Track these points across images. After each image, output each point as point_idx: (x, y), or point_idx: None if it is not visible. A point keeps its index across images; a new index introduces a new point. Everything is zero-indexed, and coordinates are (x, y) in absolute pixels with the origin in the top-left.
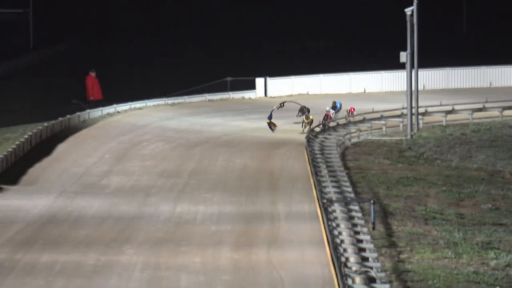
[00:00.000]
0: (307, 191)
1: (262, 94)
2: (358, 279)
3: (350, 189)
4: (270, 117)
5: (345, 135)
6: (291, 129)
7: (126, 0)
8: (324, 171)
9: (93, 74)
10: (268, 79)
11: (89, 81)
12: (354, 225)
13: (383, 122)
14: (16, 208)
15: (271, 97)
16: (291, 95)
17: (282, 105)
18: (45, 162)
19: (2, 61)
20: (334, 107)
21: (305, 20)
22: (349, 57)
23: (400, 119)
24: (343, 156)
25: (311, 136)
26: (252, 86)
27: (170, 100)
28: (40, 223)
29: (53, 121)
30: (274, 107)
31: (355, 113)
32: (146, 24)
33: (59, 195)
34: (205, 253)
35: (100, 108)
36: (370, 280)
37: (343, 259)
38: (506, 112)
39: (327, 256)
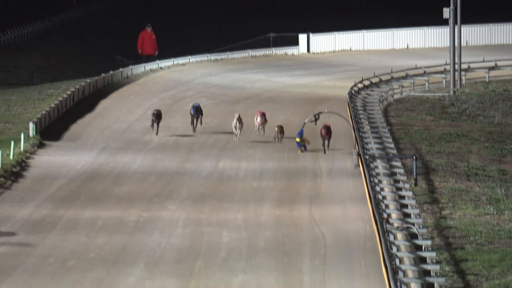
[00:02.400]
0: (349, 148)
1: (305, 50)
2: (399, 236)
3: (392, 145)
4: (300, 134)
5: (388, 91)
6: (334, 85)
7: None
8: (367, 127)
9: (148, 29)
10: (311, 35)
11: (140, 36)
12: (396, 181)
13: (425, 78)
14: (58, 164)
15: (313, 53)
16: (333, 52)
17: (317, 117)
18: (88, 118)
19: (45, 16)
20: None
21: None
22: (392, 13)
23: (442, 75)
24: (385, 112)
25: (353, 92)
26: (295, 42)
27: (213, 56)
28: (83, 179)
29: (96, 77)
30: (306, 120)
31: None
32: None
33: (101, 151)
34: (247, 209)
35: (143, 64)
36: (412, 237)
37: (385, 215)
38: None
39: (369, 212)
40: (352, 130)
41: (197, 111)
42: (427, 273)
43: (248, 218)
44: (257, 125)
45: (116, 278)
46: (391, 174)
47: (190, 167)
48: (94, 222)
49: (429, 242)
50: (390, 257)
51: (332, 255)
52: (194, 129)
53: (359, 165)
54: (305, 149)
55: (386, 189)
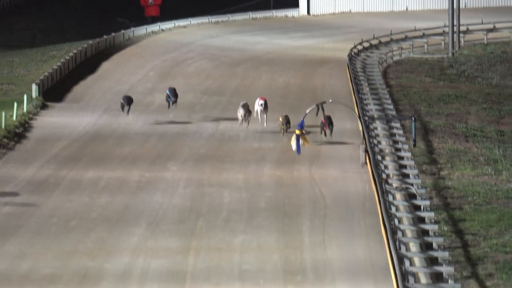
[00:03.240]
0: (348, 109)
1: (305, 13)
2: (398, 196)
3: (391, 107)
4: (301, 126)
5: (387, 53)
6: (333, 47)
7: None
8: (366, 89)
9: None
10: None
11: None
12: (395, 142)
13: (424, 40)
14: (61, 125)
15: (314, 15)
16: (333, 14)
17: (320, 106)
18: (90, 79)
19: None
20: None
21: None
22: None
23: (441, 37)
24: (384, 74)
25: (353, 54)
26: (295, 5)
27: (214, 19)
28: (85, 140)
29: (98, 39)
30: (307, 110)
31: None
32: None
33: (103, 112)
34: (248, 170)
35: (145, 26)
36: (411, 197)
37: (384, 176)
38: None
39: (369, 172)
40: (358, 119)
41: (175, 95)
42: (425, 232)
43: (248, 178)
44: (259, 111)
45: (118, 237)
46: (390, 135)
47: (192, 128)
48: (97, 182)
49: (427, 202)
50: (389, 217)
51: (332, 215)
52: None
53: (366, 163)
54: (298, 149)
55: (385, 150)
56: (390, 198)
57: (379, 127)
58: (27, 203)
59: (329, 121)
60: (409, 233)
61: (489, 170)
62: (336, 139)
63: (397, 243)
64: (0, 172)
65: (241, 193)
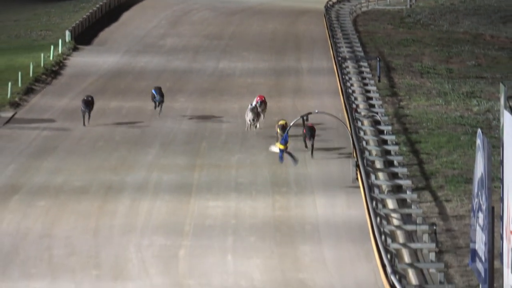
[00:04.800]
0: (325, 51)
1: None
2: (366, 122)
3: (360, 49)
4: (284, 141)
5: (357, 5)
6: (314, 0)
7: None
8: (339, 34)
9: None
10: None
11: None
12: (363, 78)
13: None
14: (90, 64)
15: None
16: None
17: (305, 118)
18: (113, 26)
19: None
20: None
21: None
22: None
23: None
24: (354, 22)
25: (329, 6)
26: None
27: None
28: (109, 76)
29: None
30: (291, 123)
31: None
32: None
33: (124, 53)
34: (243, 101)
35: None
36: (376, 123)
37: (354, 105)
38: None
39: (341, 103)
40: (350, 137)
41: (161, 94)
42: (388, 152)
43: (243, 108)
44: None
45: (137, 156)
46: (359, 73)
47: (196, 66)
48: (119, 111)
49: (389, 128)
50: (358, 139)
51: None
52: (159, 113)
53: (357, 179)
54: (281, 158)
55: (355, 85)
56: (359, 124)
57: (350, 66)
58: (61, 128)
59: (310, 133)
60: (374, 153)
61: (440, 101)
62: (315, 76)
63: (364, 161)
64: (39, 102)
65: (236, 120)
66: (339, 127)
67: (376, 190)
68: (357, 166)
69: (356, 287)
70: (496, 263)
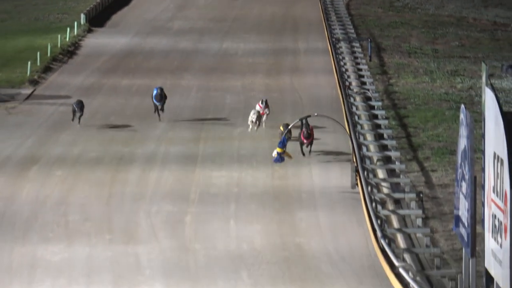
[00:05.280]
0: (320, 33)
1: None
2: (358, 98)
3: (352, 31)
4: (282, 144)
5: None
6: None
7: None
8: (333, 17)
9: None
10: None
11: None
12: (356, 58)
13: None
14: (103, 45)
15: None
16: None
17: (304, 121)
18: (125, 10)
19: None
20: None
21: None
22: None
23: None
24: (347, 6)
25: None
26: None
27: None
28: (121, 56)
29: None
30: (290, 125)
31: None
32: None
33: (135, 35)
34: (244, 78)
35: None
36: (367, 99)
37: (347, 83)
38: None
39: (335, 80)
40: (350, 141)
41: (162, 96)
42: (378, 126)
43: (244, 85)
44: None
45: (147, 129)
46: (352, 53)
47: (202, 47)
48: (130, 88)
49: (380, 103)
50: (351, 114)
51: (307, 112)
52: (159, 118)
53: (357, 185)
54: (282, 159)
55: (348, 64)
56: (352, 100)
57: (343, 47)
58: None
59: (307, 135)
60: (366, 127)
61: (427, 79)
62: (311, 56)
63: (357, 134)
64: (56, 80)
65: (239, 96)
66: (333, 102)
67: (367, 161)
68: (357, 171)
69: (349, 250)
70: (478, 228)
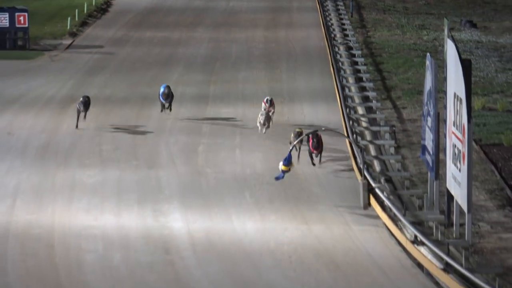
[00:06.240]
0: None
1: None
2: (341, 48)
3: None
4: (288, 161)
5: None
6: None
7: None
8: None
9: None
10: None
11: None
12: (340, 14)
13: None
14: (130, 3)
15: None
16: None
17: (312, 135)
18: None
19: None
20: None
21: None
22: None
23: None
24: None
25: None
26: None
27: None
28: (145, 13)
29: None
30: (295, 141)
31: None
32: None
33: None
34: (247, 32)
35: None
36: (349, 48)
37: (332, 35)
38: None
39: (323, 33)
40: (356, 150)
41: (168, 95)
42: (358, 71)
43: (248, 37)
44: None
45: (166, 74)
46: (336, 10)
47: (212, 5)
48: (152, 39)
49: (359, 52)
50: (336, 61)
51: (300, 60)
52: (163, 110)
53: (369, 204)
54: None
55: (333, 19)
56: (336, 49)
57: (329, 5)
58: (109, 52)
59: (317, 145)
60: (348, 71)
61: (398, 32)
62: (303, 13)
63: (340, 78)
64: (92, 33)
65: (243, 46)
66: (321, 51)
67: (349, 100)
68: (370, 190)
69: (334, 175)
70: (441, 156)
